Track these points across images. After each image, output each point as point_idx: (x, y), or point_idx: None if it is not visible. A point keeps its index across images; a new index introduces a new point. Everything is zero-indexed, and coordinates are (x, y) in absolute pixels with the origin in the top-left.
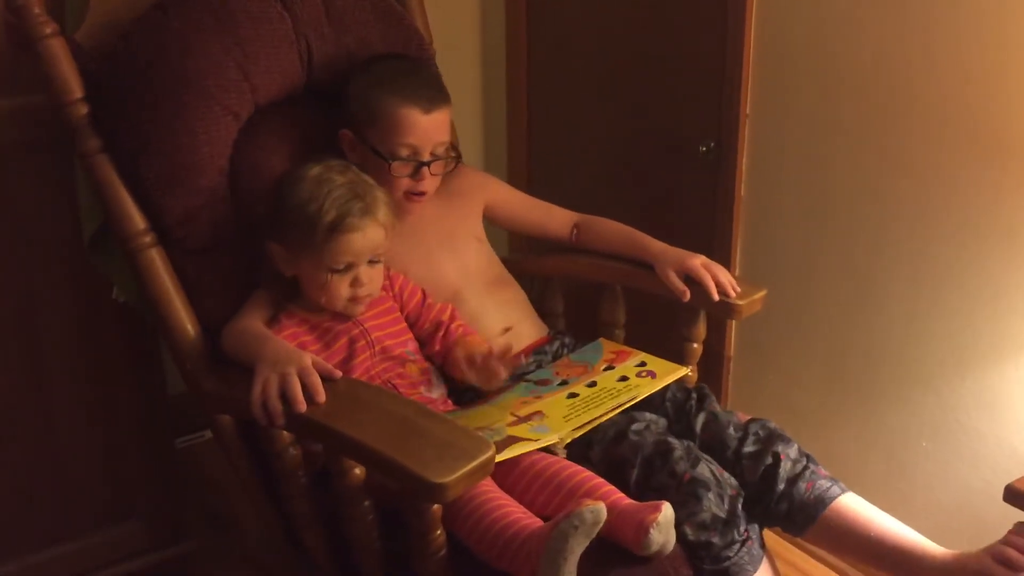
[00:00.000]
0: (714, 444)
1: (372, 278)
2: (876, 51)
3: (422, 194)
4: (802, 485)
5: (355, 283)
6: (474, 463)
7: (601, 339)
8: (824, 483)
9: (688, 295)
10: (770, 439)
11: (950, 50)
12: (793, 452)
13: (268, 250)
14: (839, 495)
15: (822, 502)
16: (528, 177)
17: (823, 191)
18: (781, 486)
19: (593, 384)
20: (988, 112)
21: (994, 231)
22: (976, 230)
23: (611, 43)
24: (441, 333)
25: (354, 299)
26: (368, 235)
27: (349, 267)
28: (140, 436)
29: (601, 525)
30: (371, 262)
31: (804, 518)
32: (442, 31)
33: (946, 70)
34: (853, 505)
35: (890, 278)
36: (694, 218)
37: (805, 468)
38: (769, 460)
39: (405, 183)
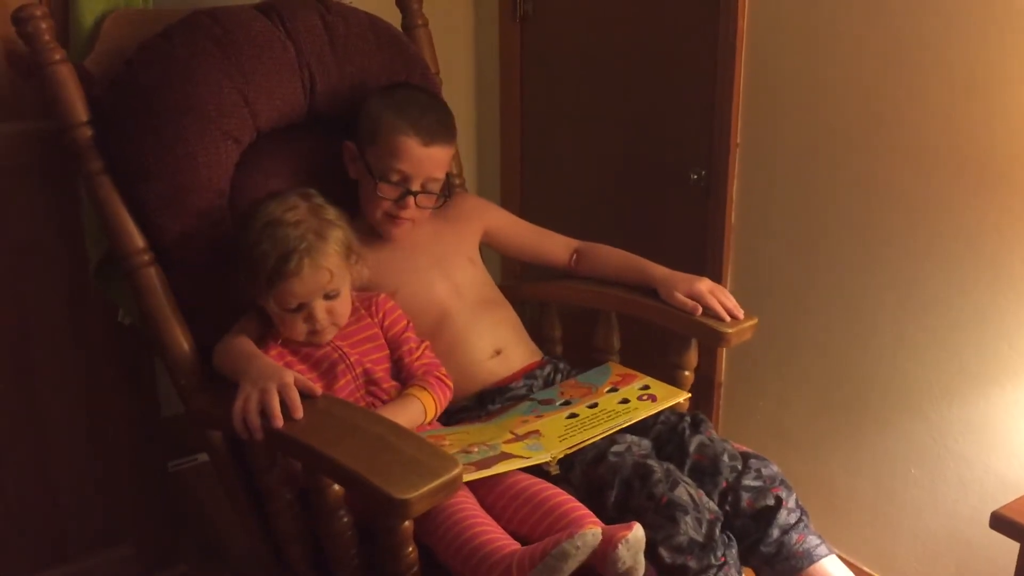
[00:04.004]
0: (706, 467)
1: (332, 310)
2: (865, 82)
3: (401, 220)
4: (794, 535)
5: (309, 319)
6: (438, 481)
7: (610, 362)
8: (814, 539)
9: (700, 310)
10: (773, 480)
11: (939, 83)
12: (792, 501)
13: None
14: (825, 556)
15: (809, 558)
16: (521, 205)
17: (813, 220)
18: (775, 532)
19: (594, 405)
20: (974, 144)
21: (980, 260)
22: (962, 259)
23: (603, 72)
24: (403, 375)
25: (313, 332)
26: (307, 279)
27: (301, 306)
28: (132, 460)
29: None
30: (327, 297)
31: (787, 568)
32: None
33: (934, 103)
34: (835, 570)
35: (878, 306)
36: (685, 246)
37: (799, 520)
38: (771, 502)
39: (386, 205)
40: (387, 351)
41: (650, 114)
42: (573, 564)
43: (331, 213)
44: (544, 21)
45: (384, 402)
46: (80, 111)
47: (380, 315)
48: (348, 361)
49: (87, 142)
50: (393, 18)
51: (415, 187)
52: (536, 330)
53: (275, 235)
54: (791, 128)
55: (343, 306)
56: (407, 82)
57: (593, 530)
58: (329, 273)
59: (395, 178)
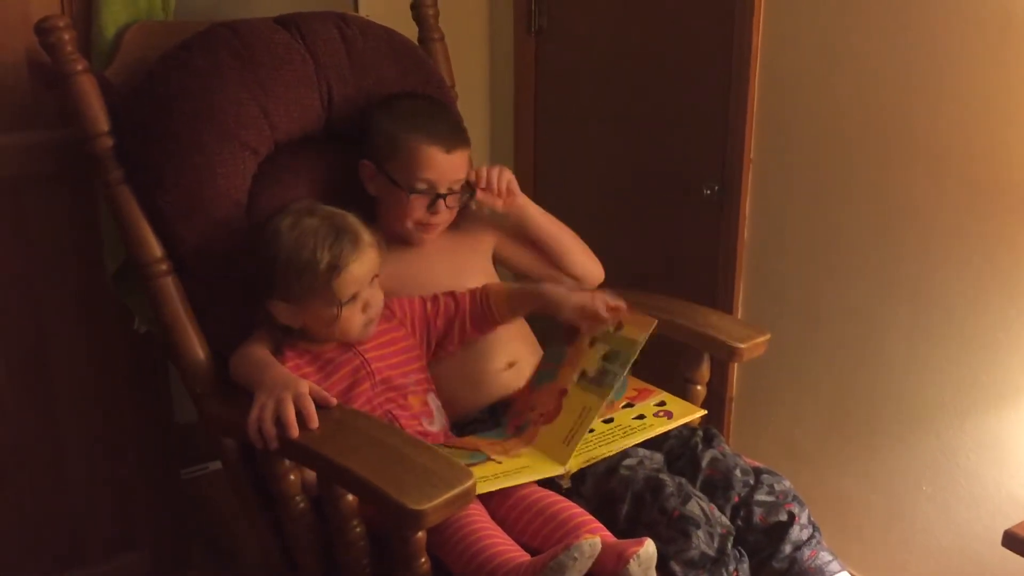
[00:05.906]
0: (718, 481)
1: (376, 296)
2: (880, 97)
3: (433, 226)
4: (806, 551)
5: (365, 308)
6: (453, 492)
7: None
8: (826, 556)
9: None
10: (786, 496)
11: (953, 100)
12: (805, 517)
13: (269, 310)
14: (837, 572)
15: (821, 574)
16: None
17: (826, 235)
18: (787, 548)
19: (610, 420)
20: (989, 160)
21: (995, 276)
22: (977, 274)
23: (617, 86)
24: (458, 322)
25: (369, 321)
26: (366, 260)
27: (355, 296)
28: (146, 467)
29: (595, 558)
30: (371, 282)
31: None
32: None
33: (949, 120)
34: None
35: (892, 321)
36: (698, 260)
37: (812, 536)
38: (783, 517)
39: (419, 214)
40: (407, 356)
41: (664, 128)
42: (574, 575)
43: (336, 209)
44: (558, 35)
45: (402, 406)
46: (101, 121)
47: (398, 313)
48: (369, 368)
49: (107, 152)
50: (410, 32)
51: (442, 191)
52: (549, 343)
53: (317, 233)
54: (805, 143)
55: (381, 292)
56: (406, 92)
57: (590, 540)
58: (375, 250)
59: (422, 187)
